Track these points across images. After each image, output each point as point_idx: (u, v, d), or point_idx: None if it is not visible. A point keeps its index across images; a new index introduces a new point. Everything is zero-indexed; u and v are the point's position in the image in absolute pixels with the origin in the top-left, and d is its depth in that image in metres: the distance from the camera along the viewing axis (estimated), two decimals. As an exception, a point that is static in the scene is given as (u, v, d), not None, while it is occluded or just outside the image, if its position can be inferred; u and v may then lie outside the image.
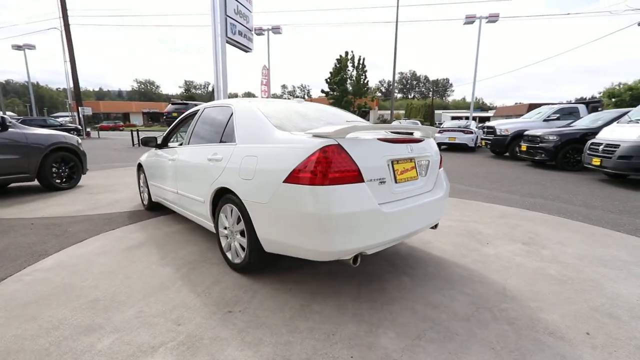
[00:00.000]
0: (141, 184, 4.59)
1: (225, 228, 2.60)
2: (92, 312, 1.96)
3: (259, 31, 18.15)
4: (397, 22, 17.93)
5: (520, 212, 4.45)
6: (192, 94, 71.40)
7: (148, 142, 3.91)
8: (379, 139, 2.11)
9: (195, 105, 16.38)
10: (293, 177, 1.91)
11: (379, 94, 38.71)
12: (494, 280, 2.44)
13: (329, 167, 1.84)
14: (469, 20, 17.26)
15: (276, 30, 18.30)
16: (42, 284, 2.31)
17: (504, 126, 11.44)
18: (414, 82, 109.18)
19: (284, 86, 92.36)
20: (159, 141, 3.92)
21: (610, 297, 2.20)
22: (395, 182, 2.16)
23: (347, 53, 31.38)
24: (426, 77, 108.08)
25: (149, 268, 2.59)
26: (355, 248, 1.89)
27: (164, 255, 2.85)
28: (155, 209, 4.37)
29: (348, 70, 31.37)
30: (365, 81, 31.63)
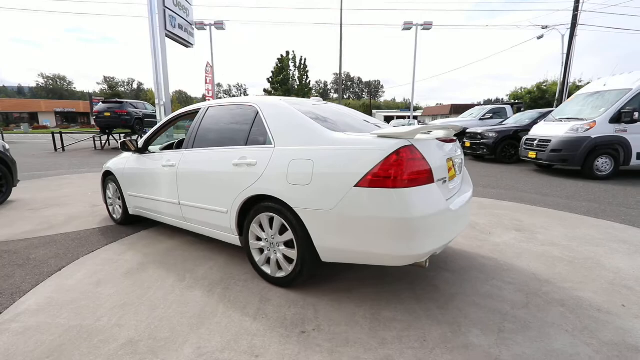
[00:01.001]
0: (110, 195, 3.92)
1: (260, 240, 2.36)
2: (139, 359, 1.60)
3: (201, 26, 16.92)
4: (341, 24, 18.43)
5: (493, 202, 4.93)
6: (117, 92, 63.55)
7: (127, 146, 3.35)
8: (437, 138, 2.12)
9: (131, 104, 14.72)
10: (368, 181, 1.81)
11: (316, 95, 39.24)
12: (520, 266, 2.64)
13: (407, 168, 1.79)
14: (407, 26, 18.62)
15: (219, 25, 17.28)
16: (42, 332, 1.81)
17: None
18: (349, 83, 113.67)
19: (219, 85, 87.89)
20: (140, 145, 3.39)
21: (614, 272, 2.56)
22: (449, 180, 2.20)
23: (288, 53, 31.25)
24: (359, 79, 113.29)
25: (173, 294, 2.22)
26: (431, 249, 1.87)
27: (181, 277, 2.46)
28: (131, 223, 3.78)
29: (290, 70, 31.26)
30: (307, 81, 31.89)
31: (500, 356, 1.61)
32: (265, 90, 32.54)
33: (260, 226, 2.34)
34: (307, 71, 31.69)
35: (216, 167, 2.53)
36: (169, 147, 3.74)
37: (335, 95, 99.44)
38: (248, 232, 2.40)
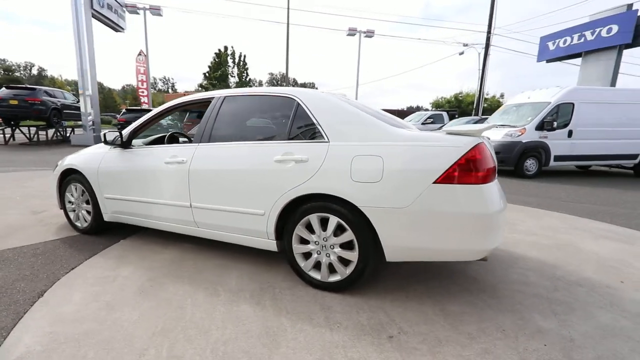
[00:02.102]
0: (72, 199, 3.20)
1: (306, 243, 2.18)
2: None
3: (133, 9, 14.83)
4: (288, 23, 18.27)
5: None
6: (14, 77, 52.26)
7: (113, 140, 2.78)
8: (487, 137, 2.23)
9: (46, 91, 12.25)
10: (447, 177, 1.81)
11: None
12: (525, 255, 2.94)
13: (482, 165, 1.84)
14: (351, 32, 19.35)
15: (155, 11, 15.43)
16: (71, 377, 1.37)
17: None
18: (283, 84, 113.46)
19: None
20: (124, 138, 2.84)
21: (595, 254, 3.01)
22: None
23: (226, 48, 29.81)
24: (295, 80, 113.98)
25: (217, 311, 1.90)
26: (498, 243, 1.95)
27: (213, 291, 2.13)
28: (100, 231, 3.15)
29: (229, 66, 29.87)
30: (247, 78, 30.88)
31: (572, 337, 1.76)
32: (201, 86, 30.56)
33: (308, 228, 2.16)
34: (247, 68, 30.67)
35: (250, 164, 2.26)
36: (156, 143, 3.23)
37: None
38: (291, 236, 2.19)
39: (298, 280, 2.29)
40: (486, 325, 1.84)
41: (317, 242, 2.14)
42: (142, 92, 15.93)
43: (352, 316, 1.88)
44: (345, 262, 2.10)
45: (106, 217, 3.04)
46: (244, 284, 2.23)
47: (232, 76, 30.32)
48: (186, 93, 43.61)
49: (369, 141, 2.00)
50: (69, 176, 3.20)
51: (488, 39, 20.87)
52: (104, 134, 2.78)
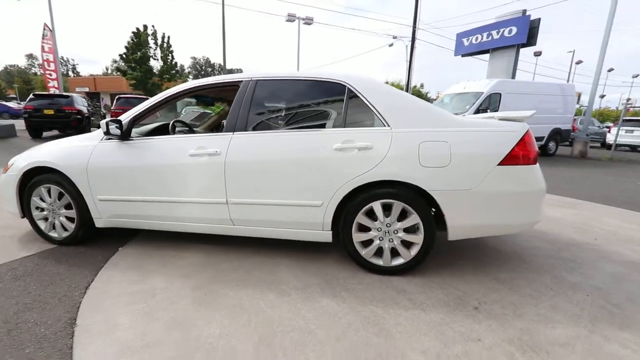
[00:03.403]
0: (43, 206, 2.59)
1: (365, 230, 2.18)
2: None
3: None
4: (223, 3, 16.98)
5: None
6: None
7: (112, 130, 2.31)
8: None
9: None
10: (509, 159, 1.99)
11: (189, 78, 34.77)
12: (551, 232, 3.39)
13: (533, 147, 2.06)
14: (290, 18, 18.92)
15: (57, -26, 12.61)
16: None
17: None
18: (209, 69, 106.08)
19: (30, 56, 64.73)
20: (105, 128, 2.36)
21: (562, 219, 3.64)
22: None
23: (145, 27, 26.40)
24: (220, 65, 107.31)
25: (301, 310, 1.79)
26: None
27: (279, 291, 1.99)
28: (83, 241, 2.65)
29: (150, 47, 26.56)
30: (174, 62, 27.97)
31: (598, 285, 2.13)
32: (119, 70, 26.74)
33: (368, 215, 2.16)
34: (172, 51, 27.67)
35: (305, 154, 2.13)
36: (157, 132, 2.79)
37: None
38: (351, 225, 2.16)
39: (355, 268, 2.28)
40: (536, 285, 2.11)
41: (379, 229, 2.15)
42: (50, 74, 13.11)
43: (430, 295, 1.97)
44: (407, 245, 2.16)
45: (99, 223, 2.55)
46: (305, 279, 2.13)
47: (154, 58, 27.04)
48: (94, 77, 37.64)
49: (431, 127, 2.07)
50: (36, 177, 2.56)
51: (414, 32, 22.58)
52: (106, 123, 2.29)
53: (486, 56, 18.77)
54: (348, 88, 2.21)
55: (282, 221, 2.25)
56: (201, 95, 3.42)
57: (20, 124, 12.31)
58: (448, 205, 2.03)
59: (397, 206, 2.09)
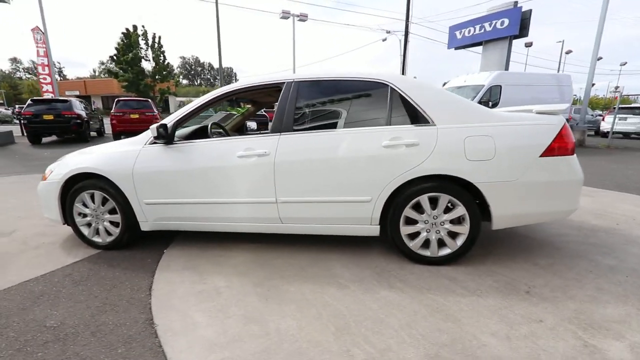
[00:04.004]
0: (86, 211, 2.62)
1: (413, 223, 2.27)
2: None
3: None
4: (217, 2, 16.82)
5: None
6: None
7: (160, 135, 2.35)
8: None
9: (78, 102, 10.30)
10: (550, 150, 2.09)
11: (179, 78, 34.32)
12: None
13: (571, 138, 2.17)
14: (285, 15, 18.87)
15: (48, -24, 12.28)
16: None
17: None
18: (199, 69, 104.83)
19: (14, 60, 63.03)
20: (156, 133, 2.39)
21: (582, 206, 3.77)
22: None
23: (135, 27, 26.05)
24: (210, 65, 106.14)
25: (365, 301, 1.88)
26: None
27: (338, 284, 2.07)
28: (127, 244, 2.69)
29: (141, 48, 26.24)
30: (166, 63, 27.70)
31: (634, 267, 2.26)
32: (110, 72, 26.36)
33: (414, 209, 2.25)
34: (163, 51, 27.39)
35: (354, 152, 2.20)
36: (195, 136, 2.83)
37: (185, 81, 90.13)
38: (399, 218, 2.25)
39: (402, 259, 2.37)
40: (577, 270, 2.23)
41: (426, 221, 2.25)
42: (45, 78, 12.85)
43: (481, 282, 2.07)
44: (453, 235, 2.26)
45: (145, 227, 2.59)
46: (358, 273, 2.22)
47: (146, 59, 26.72)
48: (84, 80, 37.01)
49: (475, 122, 2.16)
50: (78, 183, 2.59)
51: (407, 26, 22.67)
52: (157, 127, 2.32)
53: (479, 48, 18.93)
54: (391, 87, 2.28)
55: (331, 217, 2.33)
56: (241, 98, 3.46)
57: (16, 130, 12.12)
58: (493, 196, 2.13)
59: (444, 199, 2.18)
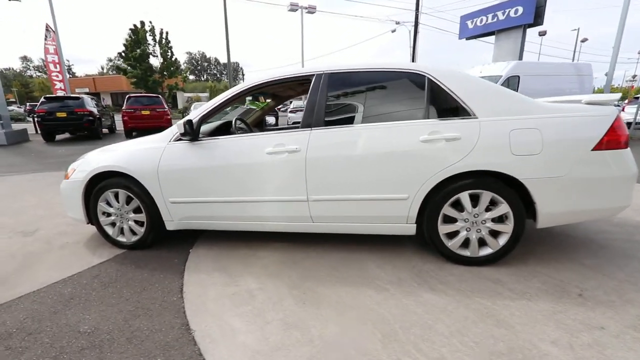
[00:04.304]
0: (111, 211, 2.57)
1: (451, 222, 2.15)
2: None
3: None
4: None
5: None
6: None
7: (186, 132, 2.27)
8: None
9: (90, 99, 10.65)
10: (603, 144, 1.95)
11: (186, 73, 34.32)
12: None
13: (624, 131, 2.02)
14: (293, 7, 18.61)
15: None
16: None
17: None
18: (205, 64, 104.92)
19: (25, 58, 63.76)
20: (183, 129, 2.30)
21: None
22: None
23: (143, 23, 25.96)
24: (217, 60, 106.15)
25: (408, 305, 1.78)
26: None
27: (376, 287, 1.98)
28: (152, 244, 2.64)
29: (149, 44, 26.20)
30: (174, 58, 27.65)
31: (691, 267, 2.12)
32: (118, 69, 26.45)
33: (453, 206, 2.13)
34: (171, 47, 27.31)
35: (390, 147, 2.09)
36: (218, 132, 2.75)
37: (192, 77, 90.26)
38: (437, 217, 2.14)
39: (438, 259, 2.27)
40: (628, 270, 2.09)
41: (466, 220, 2.13)
42: (57, 76, 12.91)
43: (528, 284, 1.95)
44: (495, 234, 2.14)
45: (171, 226, 2.53)
46: (394, 273, 2.12)
47: (154, 55, 26.71)
48: (93, 77, 37.29)
49: (520, 114, 2.02)
50: (102, 182, 2.54)
51: (417, 16, 22.20)
52: (184, 124, 2.24)
53: (491, 38, 18.41)
54: (428, 78, 2.15)
55: (364, 216, 2.23)
56: (267, 92, 3.36)
57: (29, 128, 12.25)
58: (540, 193, 2.00)
59: (486, 196, 2.06)
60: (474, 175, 2.05)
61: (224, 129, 2.88)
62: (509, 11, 16.98)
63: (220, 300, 1.86)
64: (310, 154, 2.17)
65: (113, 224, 2.63)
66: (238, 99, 2.47)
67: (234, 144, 2.33)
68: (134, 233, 2.61)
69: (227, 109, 3.42)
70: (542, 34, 29.79)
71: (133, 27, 25.54)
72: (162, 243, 2.70)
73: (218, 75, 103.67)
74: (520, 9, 16.59)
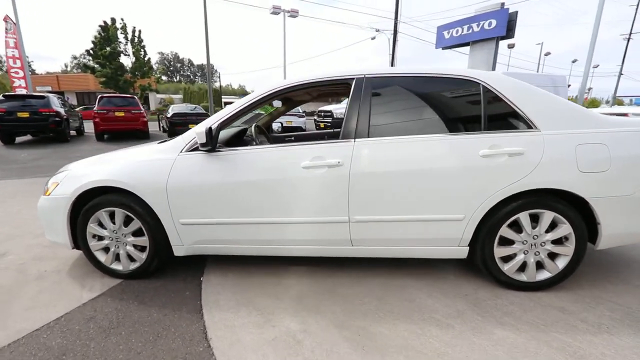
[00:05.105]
0: (105, 233, 2.15)
1: (507, 244, 1.95)
2: None
3: None
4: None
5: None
6: None
7: (206, 142, 1.91)
8: None
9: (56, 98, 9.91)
10: (673, 160, 1.82)
11: (159, 75, 32.65)
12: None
13: None
14: (275, 11, 18.26)
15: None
16: None
17: (339, 110, 13.67)
18: (178, 65, 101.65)
19: None
20: (205, 139, 1.94)
21: None
22: None
23: (114, 20, 24.57)
24: (190, 61, 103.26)
25: (479, 345, 1.54)
26: None
27: (436, 322, 1.72)
28: (155, 272, 2.25)
29: (120, 42, 24.80)
30: (147, 58, 26.35)
31: None
32: (86, 67, 24.82)
33: (512, 227, 1.93)
34: (144, 46, 26.02)
35: (447, 162, 1.85)
36: (235, 141, 2.40)
37: (165, 78, 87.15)
38: (494, 239, 1.93)
39: (488, 283, 2.06)
40: (688, 293, 1.98)
41: (524, 241, 1.94)
42: (17, 72, 11.65)
43: (598, 313, 1.78)
44: (552, 257, 1.96)
45: (180, 251, 2.15)
46: (450, 304, 1.88)
47: (125, 54, 25.31)
48: (57, 75, 34.75)
49: (584, 128, 1.86)
50: (93, 199, 2.11)
51: (396, 25, 22.63)
52: (206, 132, 1.87)
53: (466, 49, 19.03)
54: (483, 86, 1.95)
55: (411, 239, 1.98)
56: (289, 97, 3.03)
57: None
58: (605, 212, 1.84)
59: (548, 216, 1.87)
60: (536, 193, 1.86)
61: (238, 137, 2.53)
62: (483, 23, 17.63)
63: (261, 350, 1.52)
64: (354, 168, 1.89)
65: (106, 249, 2.21)
66: (263, 103, 2.15)
67: (262, 155, 2.00)
68: (132, 260, 2.19)
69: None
70: (511, 46, 31.45)
71: (103, 24, 24.09)
72: (164, 269, 2.31)
73: (192, 76, 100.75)
74: (494, 22, 17.26)
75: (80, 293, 2.04)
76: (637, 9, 23.54)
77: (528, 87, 1.97)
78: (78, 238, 2.19)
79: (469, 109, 1.97)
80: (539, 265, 1.98)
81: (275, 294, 2.00)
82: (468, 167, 1.84)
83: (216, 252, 2.16)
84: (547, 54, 35.72)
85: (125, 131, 10.87)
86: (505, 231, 1.92)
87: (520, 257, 1.96)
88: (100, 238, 2.18)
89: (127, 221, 2.13)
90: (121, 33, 24.69)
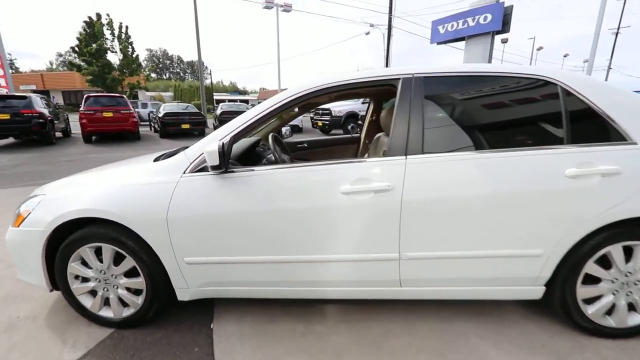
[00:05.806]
0: (90, 274, 1.73)
1: (593, 282, 1.59)
2: None
3: None
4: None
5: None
6: None
7: (220, 165, 1.49)
8: None
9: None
10: None
11: (149, 72, 31.56)
12: None
13: None
14: (268, 5, 17.67)
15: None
16: None
17: (338, 108, 13.26)
18: (167, 62, 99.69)
19: None
20: (217, 160, 1.52)
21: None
22: None
23: (99, 16, 23.64)
24: (180, 58, 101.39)
25: None
26: None
27: None
28: (152, 320, 1.83)
29: (106, 39, 23.89)
30: (135, 55, 25.49)
31: None
32: (72, 64, 23.90)
33: (599, 263, 1.57)
34: (132, 42, 25.15)
35: (521, 184, 1.47)
36: (249, 155, 1.98)
37: (154, 75, 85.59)
38: (577, 277, 1.56)
39: (564, 329, 1.70)
40: None
41: (614, 280, 1.57)
42: None
43: None
44: (646, 298, 1.61)
45: (184, 295, 1.73)
46: (525, 358, 1.51)
47: (112, 51, 24.41)
48: (41, 73, 33.54)
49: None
50: (75, 232, 1.69)
51: (390, 20, 22.23)
52: (217, 150, 1.45)
53: (461, 44, 18.76)
54: (562, 87, 1.57)
55: (474, 278, 1.60)
56: (318, 101, 2.61)
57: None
58: None
59: (642, 250, 1.52)
60: (633, 221, 1.50)
61: (251, 150, 2.12)
62: (479, 18, 17.32)
63: None
64: (407, 193, 1.49)
65: (93, 292, 1.78)
66: (290, 108, 1.73)
67: (288, 177, 1.59)
68: (124, 305, 1.77)
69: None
70: (505, 41, 31.33)
71: (88, 20, 23.16)
72: (164, 313, 1.89)
73: (181, 73, 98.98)
74: (489, 16, 16.97)
75: (61, 349, 1.63)
76: (624, 3, 23.64)
77: (615, 89, 1.60)
78: (57, 278, 1.76)
79: (546, 117, 1.59)
80: (631, 307, 1.62)
81: (307, 347, 1.61)
82: (551, 191, 1.46)
83: (230, 296, 1.75)
84: (540, 48, 35.76)
85: (114, 132, 10.29)
86: (591, 267, 1.56)
87: (608, 299, 1.60)
88: (85, 279, 1.76)
89: (117, 258, 1.71)
90: (107, 29, 23.77)
